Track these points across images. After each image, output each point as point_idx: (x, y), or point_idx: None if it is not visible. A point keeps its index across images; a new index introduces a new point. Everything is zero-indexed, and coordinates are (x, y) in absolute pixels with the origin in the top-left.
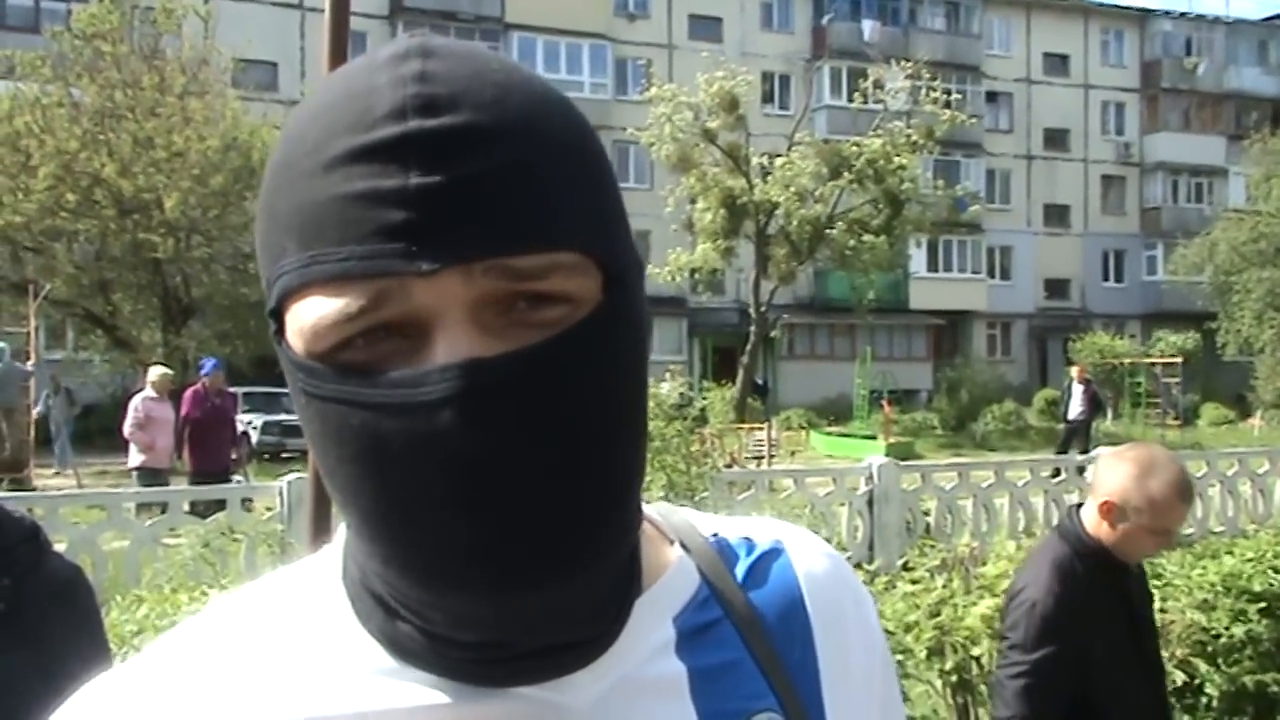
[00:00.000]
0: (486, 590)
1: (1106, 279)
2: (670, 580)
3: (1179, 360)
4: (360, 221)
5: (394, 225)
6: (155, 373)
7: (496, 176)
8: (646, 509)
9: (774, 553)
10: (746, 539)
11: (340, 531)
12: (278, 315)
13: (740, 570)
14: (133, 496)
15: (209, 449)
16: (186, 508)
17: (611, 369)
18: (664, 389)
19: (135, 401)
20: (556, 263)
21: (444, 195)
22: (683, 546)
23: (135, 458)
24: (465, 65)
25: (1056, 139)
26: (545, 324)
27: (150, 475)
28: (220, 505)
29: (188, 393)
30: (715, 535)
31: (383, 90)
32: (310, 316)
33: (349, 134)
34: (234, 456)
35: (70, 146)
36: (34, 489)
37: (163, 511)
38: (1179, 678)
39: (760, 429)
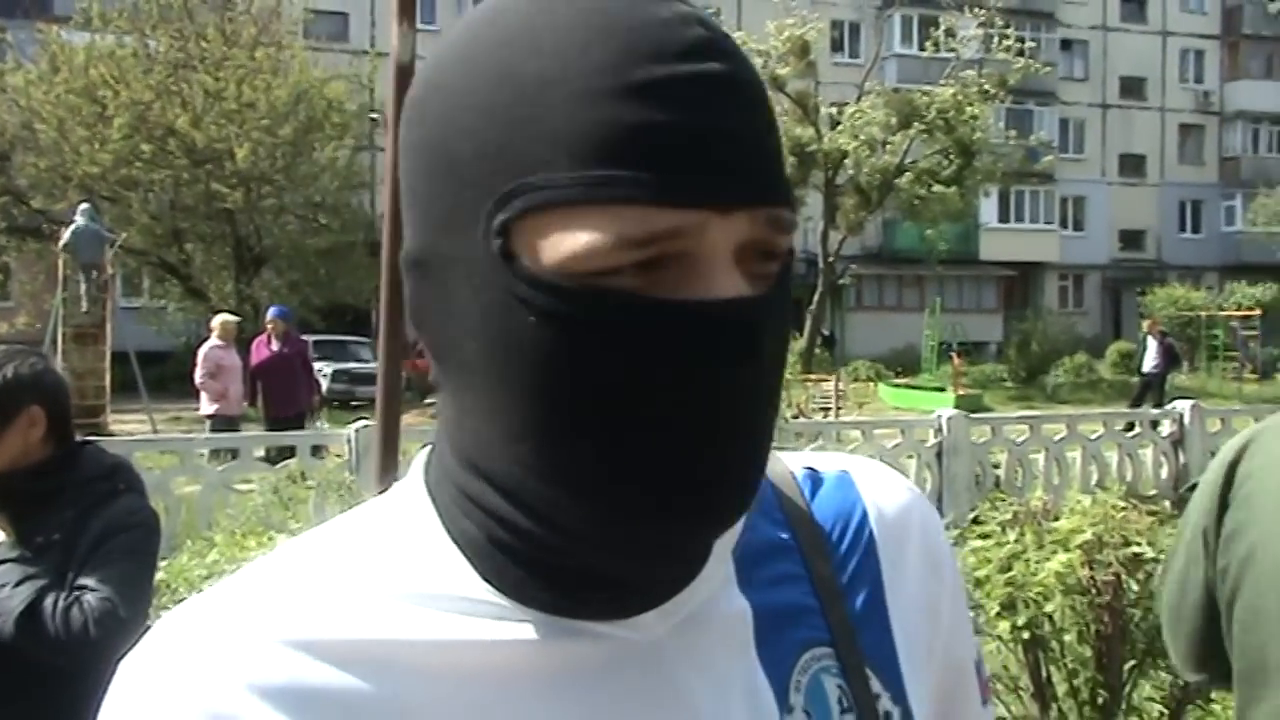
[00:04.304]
0: (693, 521)
1: (1183, 230)
2: None
3: (1258, 313)
4: (667, 151)
5: (705, 162)
6: (218, 320)
7: (767, 128)
8: None
9: (841, 480)
10: (810, 467)
11: (412, 478)
12: (504, 229)
13: (808, 494)
14: (205, 442)
15: (277, 395)
16: (258, 454)
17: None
18: None
19: (204, 350)
20: (793, 220)
21: (742, 139)
22: None
23: (208, 406)
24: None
25: (1133, 87)
26: (765, 276)
27: (224, 422)
28: (291, 452)
29: (255, 341)
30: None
31: (674, 25)
32: (583, 235)
33: (650, 62)
34: (314, 400)
35: (145, 97)
36: (110, 435)
37: (234, 458)
38: None
39: (827, 380)
